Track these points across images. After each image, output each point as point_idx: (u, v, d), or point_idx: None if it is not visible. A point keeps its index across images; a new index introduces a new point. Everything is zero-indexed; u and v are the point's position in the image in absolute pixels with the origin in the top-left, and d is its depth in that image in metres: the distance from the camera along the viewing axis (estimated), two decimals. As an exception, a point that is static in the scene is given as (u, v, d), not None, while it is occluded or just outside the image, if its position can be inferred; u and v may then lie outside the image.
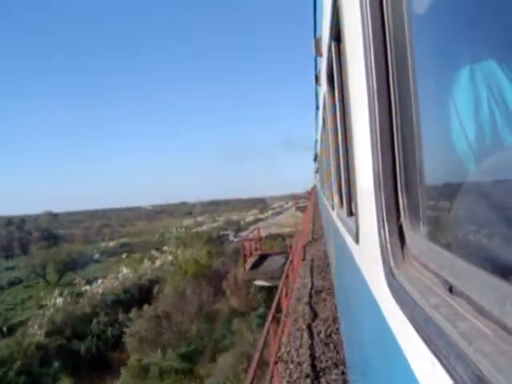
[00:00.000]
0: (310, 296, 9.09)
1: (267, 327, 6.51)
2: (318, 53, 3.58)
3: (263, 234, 34.20)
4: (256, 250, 22.35)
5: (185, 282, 29.07)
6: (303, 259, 13.93)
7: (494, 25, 0.89)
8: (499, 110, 0.97)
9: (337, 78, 2.46)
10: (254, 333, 18.71)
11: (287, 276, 10.94)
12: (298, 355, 6.22)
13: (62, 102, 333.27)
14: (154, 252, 50.00)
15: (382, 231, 1.00)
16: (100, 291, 33.61)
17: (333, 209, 4.46)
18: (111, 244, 73.29)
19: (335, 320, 7.09)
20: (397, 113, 0.94)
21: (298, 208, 50.32)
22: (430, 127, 0.99)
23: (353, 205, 2.22)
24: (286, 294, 9.69)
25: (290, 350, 6.49)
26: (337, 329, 6.70)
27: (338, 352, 5.94)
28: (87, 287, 36.41)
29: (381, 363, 1.28)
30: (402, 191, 0.95)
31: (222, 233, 61.08)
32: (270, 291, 19.96)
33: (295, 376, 5.58)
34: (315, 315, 7.79)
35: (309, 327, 7.22)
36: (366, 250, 1.42)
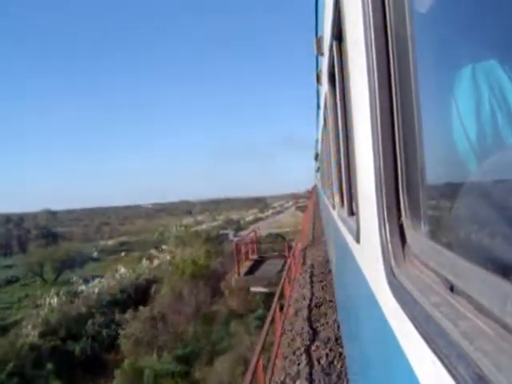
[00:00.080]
0: (310, 310, 8.42)
1: (263, 336, 6.16)
2: (319, 52, 3.58)
3: (263, 233, 34.03)
4: (253, 253, 20.49)
5: (182, 283, 28.49)
6: (303, 263, 13.52)
7: (497, 25, 0.89)
8: (501, 109, 0.97)
9: (338, 77, 2.45)
10: (252, 335, 18.32)
11: (282, 291, 10.04)
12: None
13: (61, 101, 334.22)
14: (153, 251, 49.79)
15: (382, 230, 1.00)
16: (96, 291, 32.82)
17: (333, 208, 4.45)
18: (110, 242, 73.28)
19: (338, 340, 6.45)
20: (398, 112, 0.94)
21: (298, 207, 50.21)
22: (431, 126, 0.99)
23: (354, 204, 2.22)
24: (281, 309, 8.91)
25: (285, 379, 5.78)
26: (340, 354, 6.03)
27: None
28: (83, 287, 35.65)
29: (381, 362, 1.28)
30: (402, 190, 0.94)
31: (221, 232, 60.90)
32: (269, 292, 19.45)
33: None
34: (315, 333, 7.19)
35: (307, 351, 6.54)
36: (366, 249, 1.42)
